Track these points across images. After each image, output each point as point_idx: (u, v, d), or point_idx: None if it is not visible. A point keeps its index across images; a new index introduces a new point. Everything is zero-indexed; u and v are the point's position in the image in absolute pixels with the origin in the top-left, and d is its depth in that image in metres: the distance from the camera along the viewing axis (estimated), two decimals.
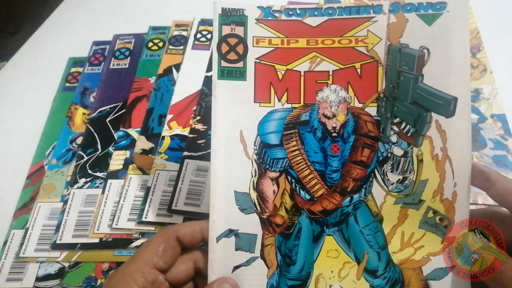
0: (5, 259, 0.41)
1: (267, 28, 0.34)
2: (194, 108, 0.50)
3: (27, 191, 0.46)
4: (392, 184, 0.33)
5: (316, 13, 0.33)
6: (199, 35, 0.57)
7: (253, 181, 0.33)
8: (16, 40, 0.70)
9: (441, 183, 0.32)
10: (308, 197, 0.33)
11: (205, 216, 0.41)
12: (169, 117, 0.49)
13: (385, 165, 0.33)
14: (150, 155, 0.46)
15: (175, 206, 0.42)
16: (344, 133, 0.33)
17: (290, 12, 0.34)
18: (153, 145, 0.47)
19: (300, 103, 0.33)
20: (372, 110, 0.33)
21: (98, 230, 0.42)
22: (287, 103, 0.33)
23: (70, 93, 0.54)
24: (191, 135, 0.47)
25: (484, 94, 0.49)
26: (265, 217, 0.33)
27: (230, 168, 0.32)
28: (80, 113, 0.51)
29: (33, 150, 0.49)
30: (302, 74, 0.33)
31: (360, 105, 0.33)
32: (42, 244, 0.41)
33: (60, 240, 0.41)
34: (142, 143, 0.47)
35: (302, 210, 0.33)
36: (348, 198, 0.33)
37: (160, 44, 0.57)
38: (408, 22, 0.32)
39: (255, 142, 0.33)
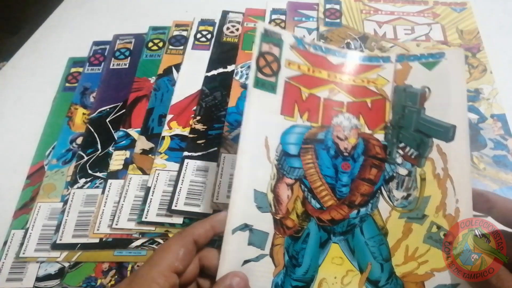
0: (5, 259, 0.41)
1: (297, 55, 0.39)
2: (194, 108, 0.50)
3: (27, 191, 0.46)
4: (397, 200, 0.36)
5: (337, 54, 0.40)
6: (199, 35, 0.57)
7: (271, 184, 0.35)
8: (16, 40, 0.70)
9: (443, 199, 0.34)
10: (318, 206, 0.35)
11: (205, 216, 0.41)
12: (169, 117, 0.49)
13: (390, 183, 0.36)
14: (150, 155, 0.46)
15: (175, 206, 0.42)
16: (354, 153, 0.37)
17: (317, 48, 0.40)
18: (153, 145, 0.47)
19: (318, 123, 0.38)
20: (380, 136, 0.37)
21: (98, 230, 0.42)
22: (307, 121, 0.37)
23: (70, 93, 0.54)
24: (191, 135, 0.47)
25: (484, 94, 0.49)
26: (278, 218, 0.34)
27: (253, 168, 0.35)
28: (80, 113, 0.51)
29: (33, 150, 0.49)
30: (322, 100, 0.38)
31: (370, 132, 0.38)
32: (42, 244, 0.41)
33: (60, 240, 0.41)
34: (142, 143, 0.47)
35: (312, 217, 0.35)
36: (356, 211, 0.35)
37: (160, 44, 0.57)
38: (411, 68, 0.38)
39: (277, 149, 0.36)
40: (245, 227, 0.33)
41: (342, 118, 0.38)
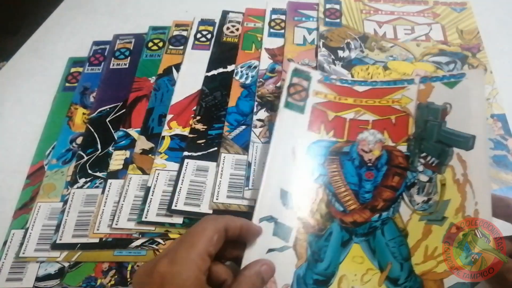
0: (5, 259, 0.41)
1: (324, 87, 0.45)
2: (194, 108, 0.50)
3: (27, 191, 0.46)
4: (417, 204, 0.38)
5: (363, 83, 0.45)
6: (199, 35, 0.57)
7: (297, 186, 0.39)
8: (16, 40, 0.70)
9: (462, 202, 0.35)
10: (341, 209, 0.38)
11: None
12: (169, 117, 0.49)
13: (412, 189, 0.38)
14: (150, 155, 0.46)
15: (175, 206, 0.42)
16: (378, 163, 0.40)
17: (343, 81, 0.46)
18: (153, 145, 0.47)
19: (343, 138, 0.42)
20: (403, 147, 0.41)
21: (98, 230, 0.41)
22: (333, 136, 0.42)
23: (70, 93, 0.54)
24: (191, 135, 0.47)
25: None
26: (302, 216, 0.38)
27: (279, 169, 0.39)
28: (80, 113, 0.51)
29: (33, 150, 0.49)
30: (348, 120, 0.43)
31: (393, 144, 0.41)
32: (42, 244, 0.41)
33: (60, 240, 0.41)
34: (142, 143, 0.47)
35: (335, 218, 0.38)
36: (377, 215, 0.38)
37: (160, 44, 0.57)
38: (434, 88, 0.42)
39: (303, 157, 0.40)
40: (271, 218, 0.37)
41: (367, 134, 0.42)
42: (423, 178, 0.38)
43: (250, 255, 0.34)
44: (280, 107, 0.43)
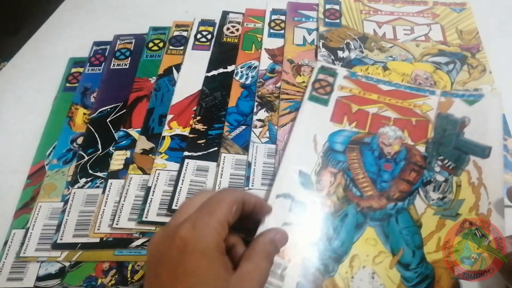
0: (5, 258, 0.41)
1: (350, 83, 0.48)
2: (194, 108, 0.50)
3: (27, 191, 0.46)
4: (433, 200, 0.39)
5: (387, 83, 0.48)
6: (199, 36, 0.58)
7: (316, 169, 0.41)
8: (16, 41, 0.70)
9: (476, 202, 0.38)
10: (358, 194, 0.40)
11: None
12: (169, 117, 0.49)
13: (428, 186, 0.40)
14: (150, 155, 0.46)
15: (176, 206, 0.42)
16: (397, 158, 0.42)
17: (369, 79, 0.48)
18: (153, 145, 0.47)
19: (365, 130, 0.44)
20: (421, 148, 0.42)
21: (98, 229, 0.42)
22: (355, 127, 0.44)
23: (70, 93, 0.54)
24: (191, 135, 0.47)
25: None
26: (319, 196, 0.40)
27: (300, 154, 0.42)
28: (80, 113, 0.52)
29: (34, 150, 0.49)
30: (370, 114, 0.45)
31: (412, 144, 0.43)
32: (43, 244, 0.41)
33: (61, 239, 0.41)
34: (143, 143, 0.47)
35: (351, 202, 0.40)
36: (393, 204, 0.39)
37: (161, 45, 0.57)
38: (454, 102, 0.45)
39: (324, 144, 0.43)
40: (288, 196, 0.39)
41: (388, 129, 0.44)
42: (440, 178, 0.40)
43: (265, 227, 0.36)
44: (304, 99, 0.46)
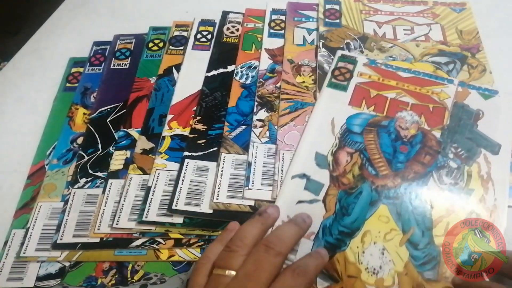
0: (5, 258, 0.41)
1: (369, 70, 0.49)
2: (194, 108, 0.50)
3: (27, 191, 0.46)
4: (445, 184, 0.41)
5: (406, 71, 0.49)
6: (199, 36, 0.58)
7: (332, 150, 0.43)
8: (16, 40, 0.70)
9: (484, 195, 0.40)
10: (374, 172, 0.42)
11: (205, 216, 0.41)
12: (169, 117, 0.49)
13: (441, 170, 0.41)
14: (150, 155, 0.46)
15: (175, 206, 0.42)
16: (413, 141, 0.43)
17: (388, 66, 0.50)
18: (153, 145, 0.47)
19: (383, 114, 0.46)
20: (437, 133, 0.44)
21: (98, 229, 0.42)
22: (373, 111, 0.46)
23: (70, 93, 0.54)
24: (191, 135, 0.47)
25: None
26: (334, 175, 0.42)
27: (317, 136, 0.44)
28: (80, 113, 0.52)
29: (34, 150, 0.49)
30: (389, 99, 0.47)
31: (429, 129, 0.44)
32: (43, 244, 0.41)
33: (61, 239, 0.41)
34: (143, 143, 0.47)
35: (366, 180, 0.41)
36: (407, 183, 0.41)
37: (161, 45, 0.57)
38: (470, 94, 0.47)
39: (341, 127, 0.45)
40: (303, 176, 0.42)
41: (405, 113, 0.45)
42: (453, 164, 0.42)
43: (279, 205, 0.39)
44: (324, 86, 0.48)
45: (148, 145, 0.47)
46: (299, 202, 0.40)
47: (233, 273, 0.30)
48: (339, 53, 0.51)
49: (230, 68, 0.53)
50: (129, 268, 0.40)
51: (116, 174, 0.45)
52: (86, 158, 0.47)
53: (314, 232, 0.39)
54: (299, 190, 0.41)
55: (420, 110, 0.45)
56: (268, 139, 0.46)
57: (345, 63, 0.50)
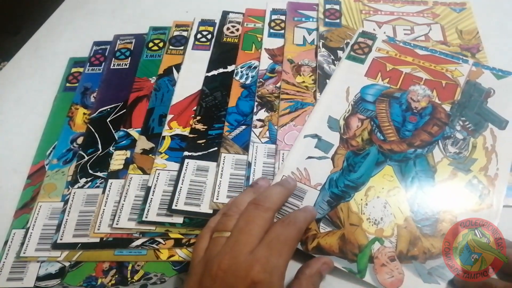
0: (5, 258, 0.41)
1: (388, 46, 0.52)
2: (194, 108, 0.50)
3: (27, 190, 0.46)
4: (450, 153, 0.43)
5: (423, 49, 0.52)
6: (199, 36, 0.58)
7: (345, 115, 0.46)
8: (16, 40, 0.70)
9: (487, 164, 0.42)
10: (382, 138, 0.44)
11: (205, 216, 0.41)
12: (169, 117, 0.49)
13: (447, 140, 0.44)
14: (150, 155, 0.46)
15: (176, 206, 0.42)
16: (423, 112, 0.46)
17: (406, 44, 0.52)
18: (153, 145, 0.47)
19: (396, 86, 0.48)
20: (446, 107, 0.46)
21: (98, 229, 0.42)
22: (388, 83, 0.49)
23: (70, 93, 0.54)
24: (191, 135, 0.47)
25: None
26: (345, 137, 0.45)
27: (332, 102, 0.47)
28: (80, 113, 0.52)
29: (34, 150, 0.49)
30: (403, 73, 0.49)
31: (439, 102, 0.47)
32: (43, 244, 0.41)
33: (61, 239, 0.41)
34: (143, 143, 0.47)
35: (375, 144, 0.44)
36: (413, 149, 0.43)
37: (161, 45, 0.57)
38: (483, 73, 0.49)
39: (356, 95, 0.48)
40: (315, 136, 0.45)
41: (418, 87, 0.48)
42: (459, 135, 0.44)
43: (289, 161, 0.43)
44: (342, 58, 0.51)
45: (148, 145, 0.47)
46: (309, 157, 0.43)
47: (230, 233, 0.33)
48: (360, 29, 0.54)
49: (230, 68, 0.53)
50: (129, 268, 0.40)
51: (116, 174, 0.45)
52: (86, 158, 0.47)
53: (320, 183, 0.41)
54: (310, 147, 0.44)
55: (432, 85, 0.48)
56: (268, 139, 0.46)
57: (365, 38, 0.53)
